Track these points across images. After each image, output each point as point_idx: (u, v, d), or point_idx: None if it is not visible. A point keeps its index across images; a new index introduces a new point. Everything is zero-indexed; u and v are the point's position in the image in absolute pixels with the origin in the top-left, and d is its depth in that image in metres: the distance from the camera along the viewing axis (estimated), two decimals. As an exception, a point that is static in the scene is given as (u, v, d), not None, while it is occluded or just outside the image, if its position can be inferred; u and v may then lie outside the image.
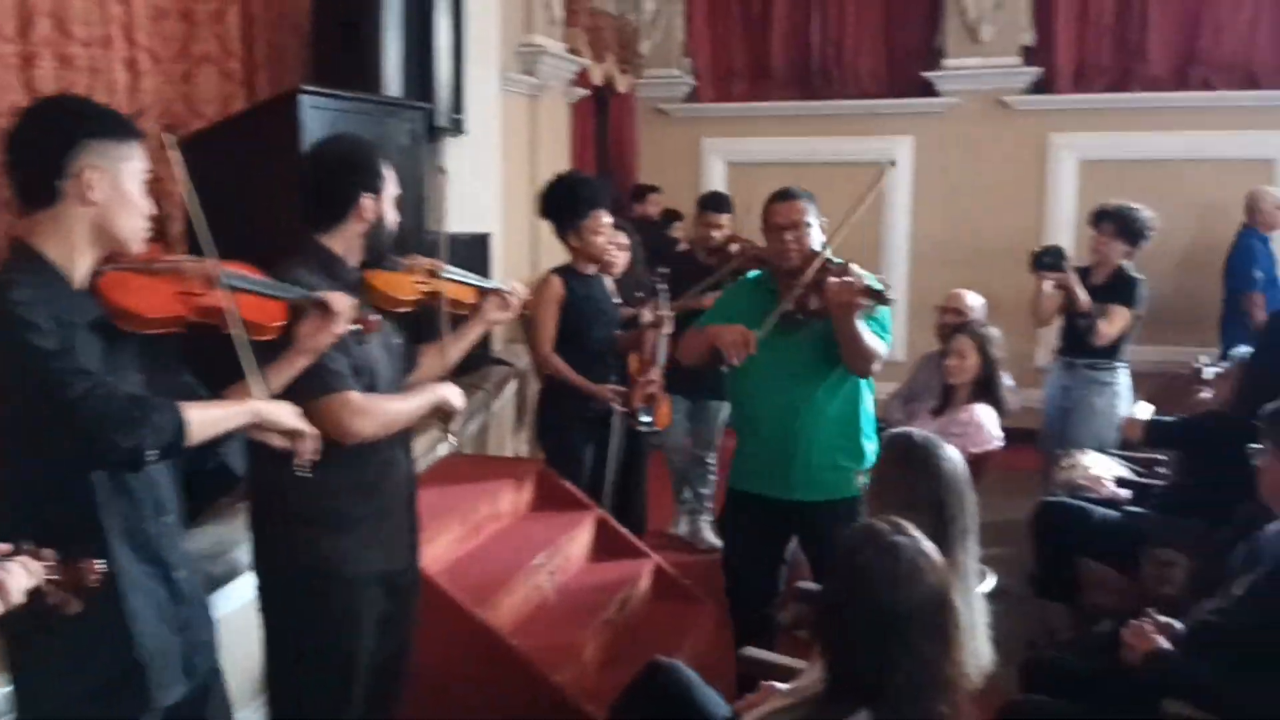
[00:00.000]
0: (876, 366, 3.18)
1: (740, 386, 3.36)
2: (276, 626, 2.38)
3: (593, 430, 4.21)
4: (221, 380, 2.04)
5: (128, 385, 1.83)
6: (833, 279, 3.03)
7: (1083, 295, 4.73)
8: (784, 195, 3.30)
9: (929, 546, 1.76)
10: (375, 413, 2.32)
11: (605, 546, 4.15)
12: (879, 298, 3.02)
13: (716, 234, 5.21)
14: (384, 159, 2.47)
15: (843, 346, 3.09)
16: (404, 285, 2.53)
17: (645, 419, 4.24)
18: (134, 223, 1.89)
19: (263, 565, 2.38)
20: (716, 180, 7.91)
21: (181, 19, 4.23)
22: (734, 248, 5.14)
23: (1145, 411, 4.41)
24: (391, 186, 2.46)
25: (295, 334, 2.15)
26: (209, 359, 2.04)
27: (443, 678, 3.18)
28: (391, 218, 2.47)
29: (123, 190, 1.85)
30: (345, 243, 2.41)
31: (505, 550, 3.77)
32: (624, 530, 4.24)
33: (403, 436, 2.49)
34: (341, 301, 2.16)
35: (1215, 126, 6.94)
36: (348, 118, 3.85)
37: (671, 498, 5.46)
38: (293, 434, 1.96)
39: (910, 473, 2.24)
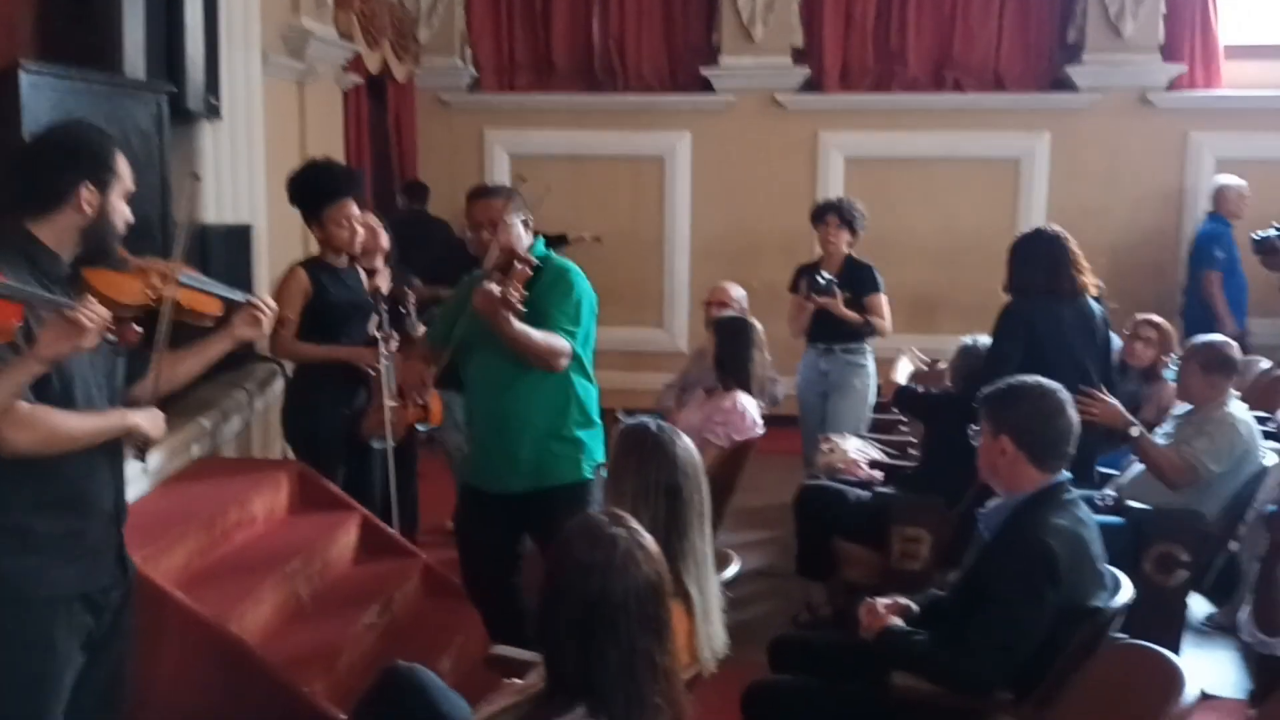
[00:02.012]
0: (562, 362, 3.19)
1: (466, 383, 3.39)
2: None
3: (346, 420, 4.09)
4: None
5: None
6: (479, 289, 3.06)
7: (850, 314, 5.00)
8: (479, 193, 3.41)
9: (647, 539, 1.76)
10: (37, 425, 2.10)
11: (370, 548, 4.02)
12: (509, 305, 3.01)
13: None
14: (119, 152, 2.30)
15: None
16: (128, 288, 2.34)
17: (377, 446, 4.13)
18: None
19: None
20: (500, 172, 7.83)
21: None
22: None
23: (904, 372, 4.67)
24: (124, 182, 2.29)
25: (37, 338, 1.98)
26: None
27: (186, 696, 3.01)
28: (119, 214, 2.29)
29: None
30: (58, 234, 2.22)
31: (256, 556, 3.59)
32: (390, 530, 4.12)
33: (108, 448, 2.31)
34: (91, 315, 1.99)
35: (966, 127, 7.40)
36: (77, 97, 3.59)
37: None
38: None
39: (644, 461, 2.28)
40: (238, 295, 2.62)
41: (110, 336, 2.07)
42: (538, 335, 3.13)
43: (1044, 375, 2.80)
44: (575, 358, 3.26)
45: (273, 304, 2.61)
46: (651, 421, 2.42)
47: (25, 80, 3.36)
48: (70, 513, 2.23)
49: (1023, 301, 3.93)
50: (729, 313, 4.84)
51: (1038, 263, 3.90)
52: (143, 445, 2.32)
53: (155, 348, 2.33)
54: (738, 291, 5.18)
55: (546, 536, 3.16)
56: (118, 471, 2.37)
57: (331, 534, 3.86)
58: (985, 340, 4.26)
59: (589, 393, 3.36)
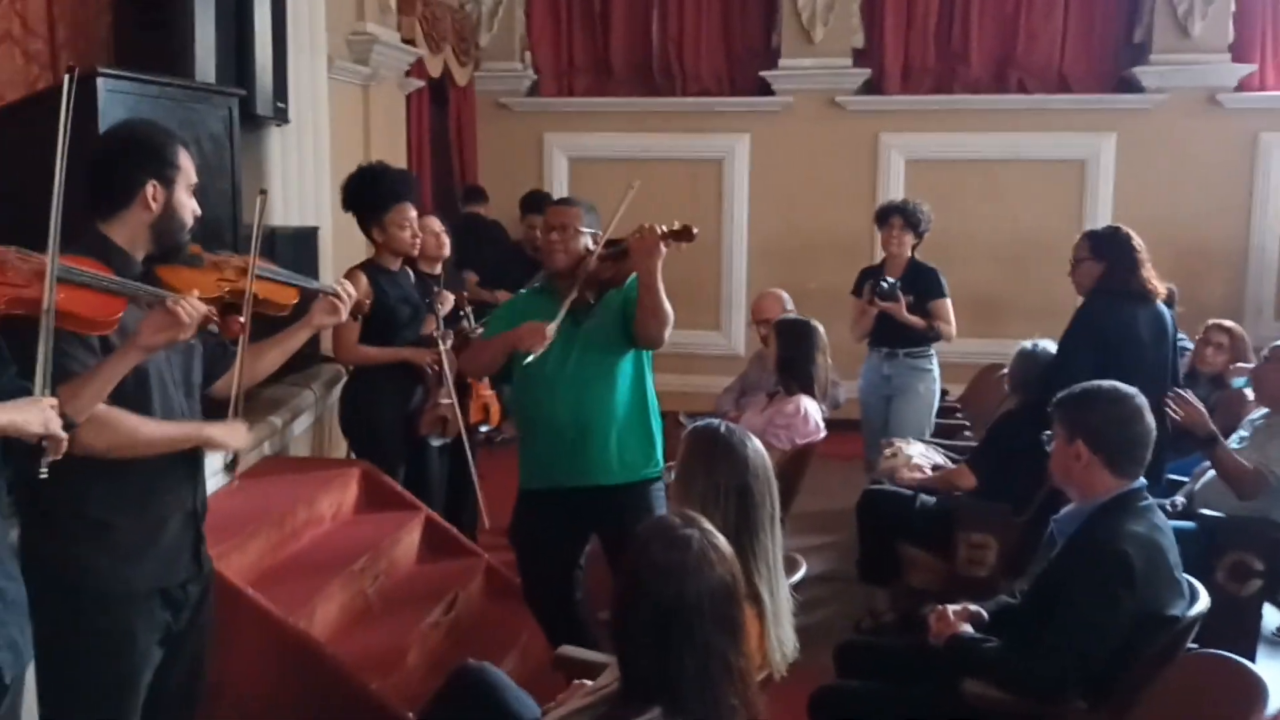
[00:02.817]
0: (667, 333, 3.23)
1: (528, 384, 3.34)
2: (45, 642, 2.20)
3: (404, 419, 4.13)
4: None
5: None
6: (635, 234, 3.14)
7: (913, 319, 4.94)
8: (562, 201, 3.54)
9: (720, 540, 1.76)
10: (113, 429, 2.13)
11: (435, 547, 4.06)
12: (682, 235, 3.09)
13: (539, 233, 5.17)
14: (181, 147, 2.32)
15: (643, 302, 3.15)
16: (203, 283, 2.37)
17: (435, 442, 4.18)
18: None
19: (28, 577, 2.20)
20: (559, 175, 7.90)
21: (-20, -4, 3.94)
22: None
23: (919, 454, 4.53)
24: (187, 176, 2.32)
25: (138, 328, 2.05)
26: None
27: (257, 692, 3.06)
28: (187, 209, 2.32)
29: None
30: (130, 233, 2.25)
31: (324, 555, 3.64)
32: (454, 530, 4.16)
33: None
34: (188, 306, 2.04)
35: (1030, 128, 7.30)
36: (151, 103, 3.65)
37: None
38: (46, 438, 1.81)
39: (714, 463, 2.26)
40: (313, 284, 2.65)
41: (213, 328, 2.12)
42: (665, 298, 3.19)
43: (1118, 379, 2.76)
44: (643, 356, 3.33)
45: (351, 289, 2.60)
46: (721, 423, 2.41)
47: (102, 86, 3.43)
48: (148, 509, 2.26)
49: (1096, 301, 3.86)
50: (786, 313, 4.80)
51: (1117, 261, 3.83)
52: (230, 457, 2.35)
53: (238, 341, 2.35)
54: (784, 300, 5.12)
55: (615, 532, 3.19)
56: (197, 468, 2.40)
57: (396, 533, 3.89)
58: (1045, 345, 4.19)
59: (653, 390, 3.43)
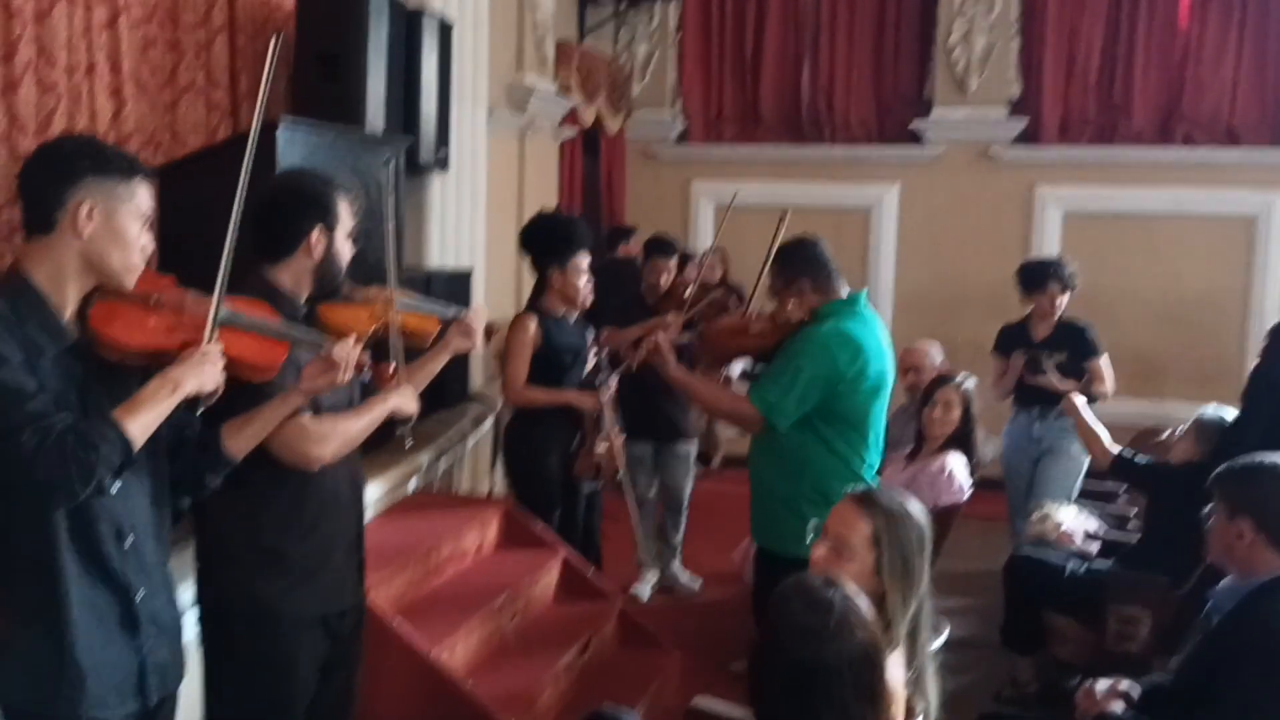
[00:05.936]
0: (751, 426, 3.21)
1: None
2: (213, 664, 2.34)
3: (564, 462, 4.18)
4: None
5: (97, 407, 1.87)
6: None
7: (1068, 387, 4.73)
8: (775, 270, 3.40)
9: (862, 604, 1.74)
10: (332, 435, 2.30)
11: (570, 589, 4.10)
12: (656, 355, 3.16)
13: (663, 278, 5.17)
14: (341, 194, 2.45)
15: None
16: (359, 318, 2.50)
17: (588, 489, 4.23)
18: (125, 259, 1.94)
19: (202, 602, 2.35)
20: (705, 223, 7.95)
21: (169, 49, 4.22)
22: (687, 293, 5.06)
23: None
24: (346, 223, 2.44)
25: (300, 375, 2.19)
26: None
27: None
28: (345, 253, 2.45)
29: (117, 227, 1.91)
30: (294, 276, 2.40)
31: (466, 590, 3.73)
32: (590, 573, 4.20)
33: (349, 474, 2.46)
34: (343, 352, 2.16)
35: (1197, 183, 6.99)
36: (326, 150, 3.86)
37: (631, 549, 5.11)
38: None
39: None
40: (450, 311, 2.77)
41: (365, 377, 2.24)
42: (707, 393, 3.23)
43: None
44: (815, 431, 3.17)
45: (484, 314, 2.75)
46: (880, 492, 2.34)
47: (282, 133, 3.65)
48: (314, 534, 2.37)
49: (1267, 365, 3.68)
50: (925, 377, 4.70)
51: None
52: (404, 422, 2.47)
53: (394, 368, 2.47)
54: (934, 352, 5.01)
55: (758, 594, 3.20)
56: (358, 496, 2.52)
57: (535, 573, 3.96)
58: (1230, 412, 3.96)
59: (829, 469, 3.14)
